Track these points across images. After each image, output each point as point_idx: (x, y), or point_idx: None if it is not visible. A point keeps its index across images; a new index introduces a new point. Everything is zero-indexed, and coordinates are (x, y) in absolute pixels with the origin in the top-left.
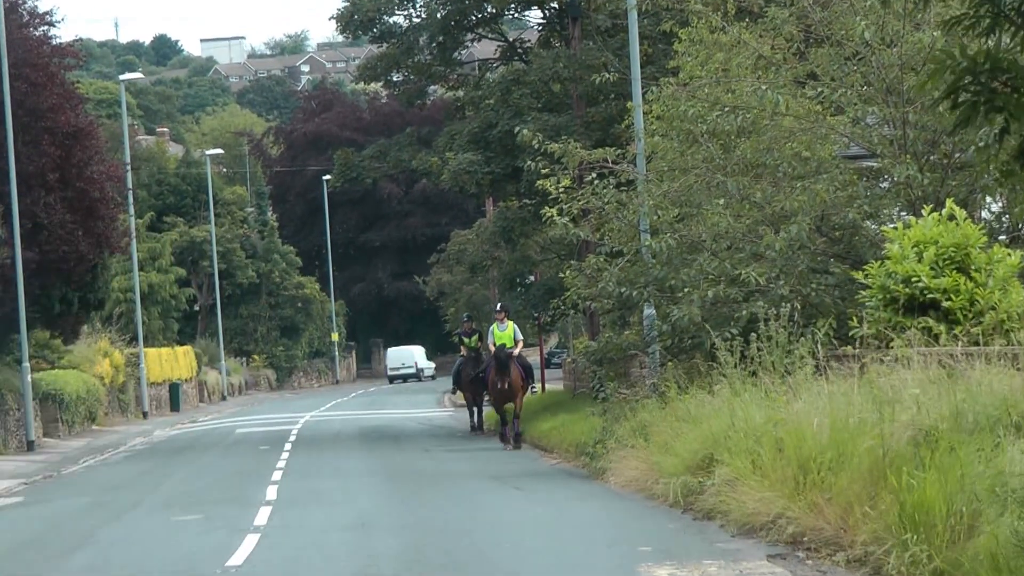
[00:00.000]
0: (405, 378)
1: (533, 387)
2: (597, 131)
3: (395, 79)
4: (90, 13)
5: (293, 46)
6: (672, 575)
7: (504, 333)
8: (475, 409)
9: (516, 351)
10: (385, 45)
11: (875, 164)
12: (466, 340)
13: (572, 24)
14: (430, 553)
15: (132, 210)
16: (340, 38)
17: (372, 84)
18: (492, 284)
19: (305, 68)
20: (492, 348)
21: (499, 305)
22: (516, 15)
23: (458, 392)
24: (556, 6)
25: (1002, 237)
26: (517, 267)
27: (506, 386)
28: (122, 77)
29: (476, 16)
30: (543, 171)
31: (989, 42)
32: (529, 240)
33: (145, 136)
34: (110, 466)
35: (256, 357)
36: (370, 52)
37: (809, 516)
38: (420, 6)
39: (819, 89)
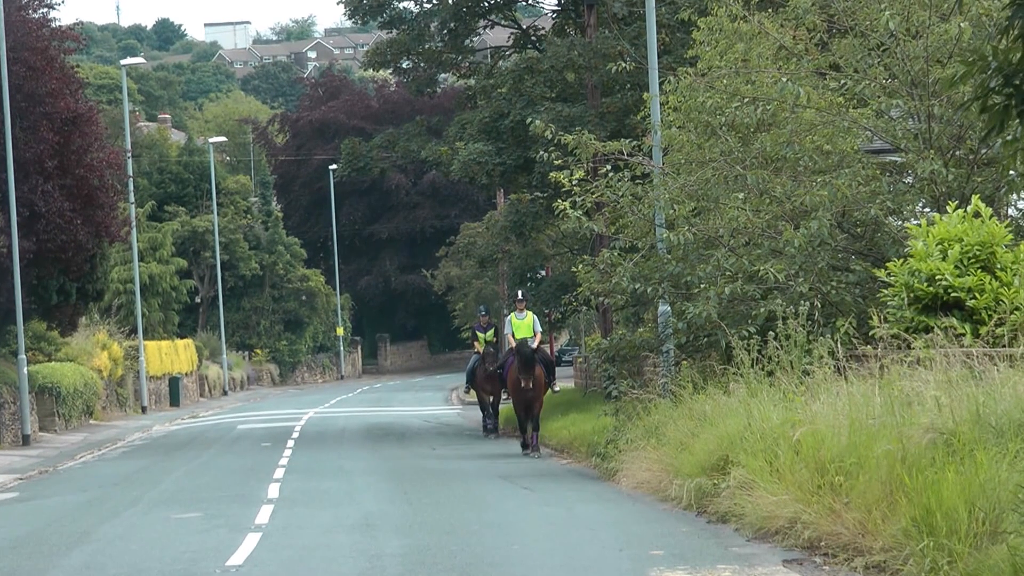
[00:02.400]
0: None
1: (555, 387)
2: (612, 122)
3: (405, 66)
4: None
5: (300, 31)
6: None
7: (523, 323)
8: (490, 409)
9: (535, 343)
10: (395, 31)
11: (899, 159)
12: (481, 335)
13: (587, 11)
14: (436, 555)
15: (132, 199)
16: (348, 24)
17: (381, 71)
18: (502, 279)
19: (312, 54)
20: (511, 339)
21: (519, 293)
22: (530, 1)
23: (471, 391)
24: None
25: None
26: (528, 261)
27: (530, 385)
28: (123, 62)
29: (489, 2)
30: (556, 163)
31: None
32: (541, 234)
33: (146, 123)
34: (108, 462)
35: (259, 351)
36: (379, 38)
37: (826, 520)
38: None
39: (842, 81)
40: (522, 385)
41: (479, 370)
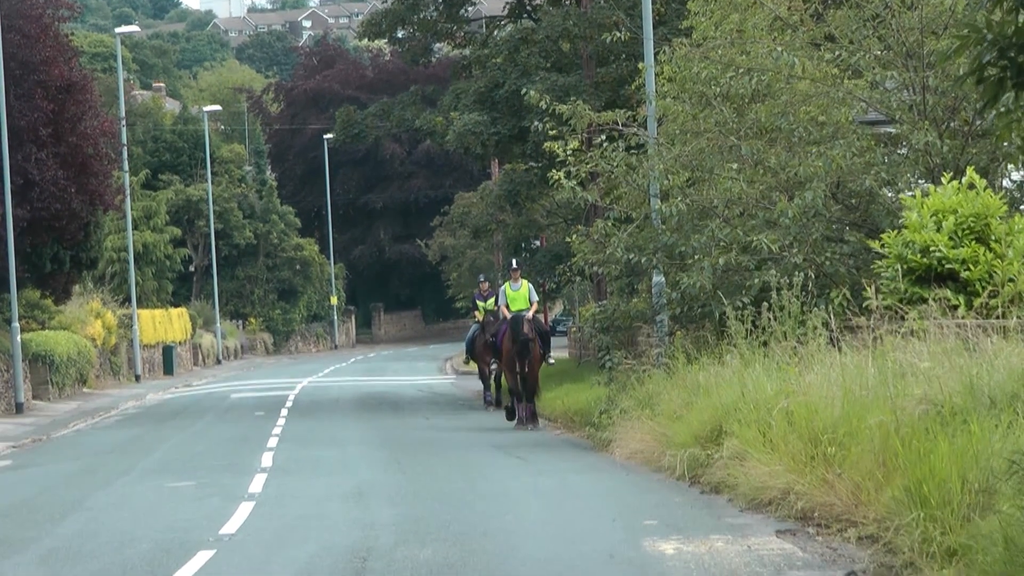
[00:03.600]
0: None
1: (549, 359)
2: (607, 92)
3: (400, 36)
4: None
5: (294, 0)
6: (678, 550)
7: (518, 293)
8: (490, 381)
9: (531, 314)
10: (390, 0)
11: (893, 130)
12: (481, 304)
13: None
14: (429, 524)
15: (127, 167)
16: None
17: (376, 41)
18: (496, 249)
19: (307, 23)
20: (505, 310)
21: (514, 262)
22: None
23: (471, 362)
24: None
25: (1023, 207)
26: (522, 231)
27: (526, 370)
28: (118, 30)
29: None
30: (551, 133)
31: (1019, 18)
32: (535, 204)
33: (141, 91)
34: (101, 430)
35: (252, 320)
36: (374, 7)
37: (819, 491)
38: None
39: (836, 52)
40: (516, 370)
41: (479, 340)
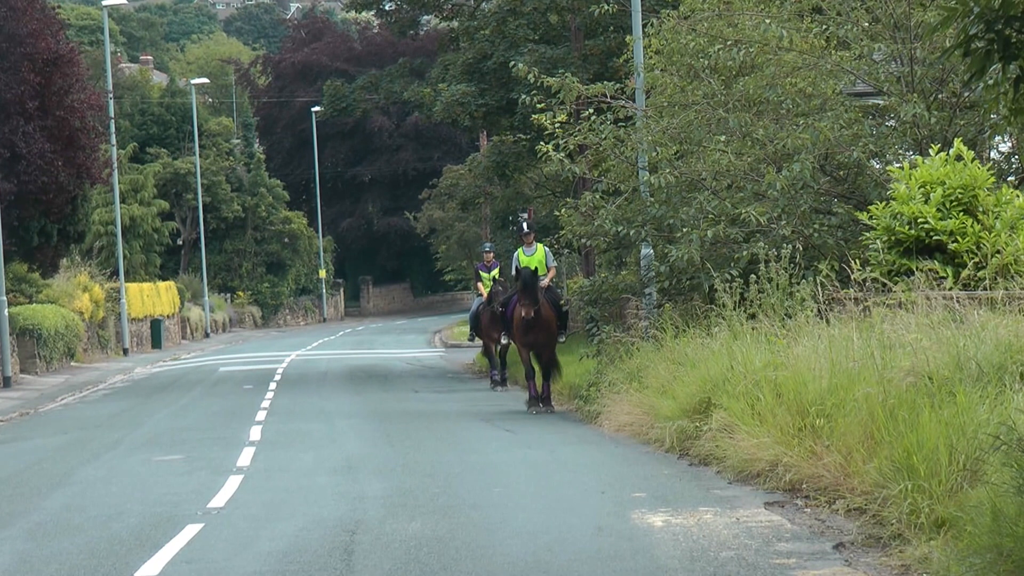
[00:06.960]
0: None
1: (561, 337)
2: (595, 64)
3: (387, 8)
4: None
5: None
6: (667, 522)
7: (532, 258)
8: (496, 358)
9: (546, 281)
10: None
11: (881, 102)
12: (485, 275)
13: None
14: (418, 497)
15: (114, 140)
16: None
17: (363, 13)
18: (485, 221)
19: None
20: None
21: (525, 225)
22: None
23: (475, 338)
24: None
25: (1011, 178)
26: (510, 204)
27: (532, 314)
28: (104, 2)
29: None
30: (539, 105)
31: None
32: (523, 176)
33: (128, 64)
34: (89, 404)
35: (241, 294)
36: None
37: (808, 463)
38: None
39: (824, 24)
40: (524, 315)
41: (483, 314)
